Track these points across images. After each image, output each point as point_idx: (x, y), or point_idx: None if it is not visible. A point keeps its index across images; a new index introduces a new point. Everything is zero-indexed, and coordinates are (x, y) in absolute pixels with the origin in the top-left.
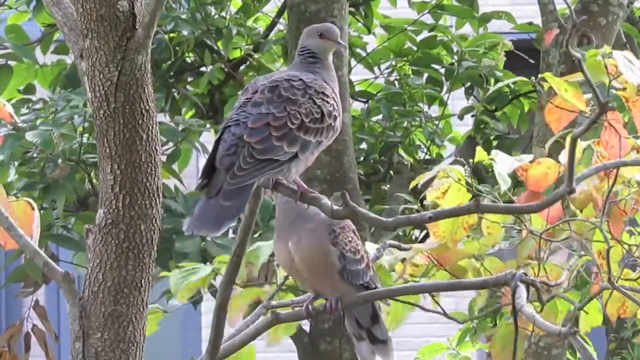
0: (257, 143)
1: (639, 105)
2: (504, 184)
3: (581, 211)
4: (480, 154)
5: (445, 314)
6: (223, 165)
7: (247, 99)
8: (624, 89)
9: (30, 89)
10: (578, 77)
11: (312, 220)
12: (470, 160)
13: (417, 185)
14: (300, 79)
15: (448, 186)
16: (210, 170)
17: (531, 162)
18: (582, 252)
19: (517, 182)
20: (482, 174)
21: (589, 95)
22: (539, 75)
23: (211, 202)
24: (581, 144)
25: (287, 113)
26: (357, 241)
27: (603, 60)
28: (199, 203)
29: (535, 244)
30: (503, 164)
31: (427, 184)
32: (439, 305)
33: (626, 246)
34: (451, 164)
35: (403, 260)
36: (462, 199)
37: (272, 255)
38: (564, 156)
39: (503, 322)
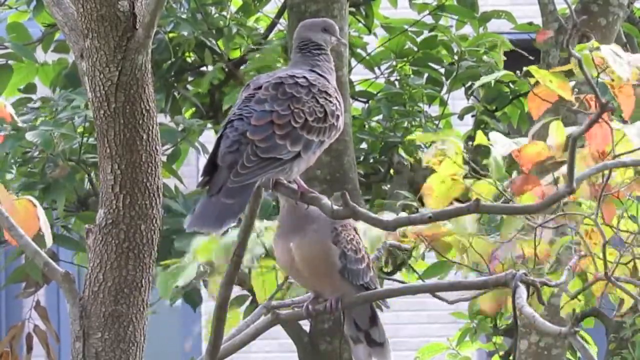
0: (260, 141)
1: (625, 91)
2: (497, 171)
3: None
4: (480, 137)
5: (435, 296)
6: (225, 163)
7: (250, 95)
8: (612, 80)
9: (30, 88)
10: (569, 67)
11: (315, 221)
12: (471, 143)
13: (417, 186)
14: (304, 77)
15: (444, 157)
16: (211, 168)
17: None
18: (582, 253)
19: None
20: (480, 174)
21: (573, 83)
22: (524, 69)
23: (213, 199)
24: (565, 130)
25: (290, 111)
26: (359, 240)
27: (591, 54)
28: (200, 201)
29: (522, 223)
30: (501, 147)
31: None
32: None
33: (624, 234)
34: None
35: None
36: (457, 169)
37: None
38: (550, 139)
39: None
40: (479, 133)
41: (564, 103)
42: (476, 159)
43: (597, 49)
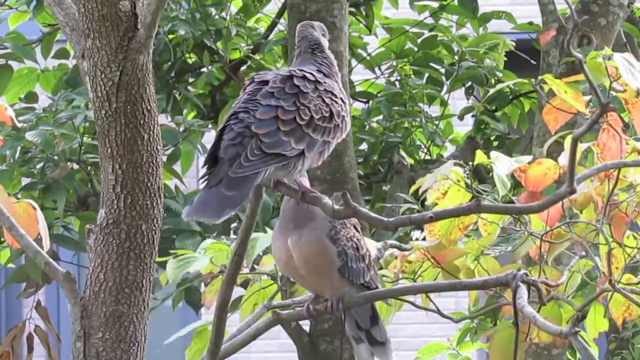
0: (264, 136)
1: (638, 107)
2: (503, 188)
3: (581, 212)
4: (480, 156)
5: (439, 312)
6: (227, 155)
7: (256, 89)
8: (624, 91)
9: (31, 97)
10: (580, 78)
11: (314, 218)
12: (470, 163)
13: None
14: (312, 74)
15: (448, 187)
16: (212, 160)
17: (530, 162)
18: (583, 254)
19: (517, 183)
20: (482, 174)
21: (589, 97)
22: (539, 78)
23: (212, 190)
24: (581, 146)
25: (296, 108)
26: (359, 237)
27: (604, 63)
28: (199, 192)
29: (534, 246)
30: (503, 166)
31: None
32: (432, 302)
33: (629, 250)
34: (452, 165)
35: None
36: (462, 199)
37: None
38: (563, 158)
39: (504, 323)
40: (479, 152)
41: (579, 114)
42: (477, 170)
43: (610, 57)
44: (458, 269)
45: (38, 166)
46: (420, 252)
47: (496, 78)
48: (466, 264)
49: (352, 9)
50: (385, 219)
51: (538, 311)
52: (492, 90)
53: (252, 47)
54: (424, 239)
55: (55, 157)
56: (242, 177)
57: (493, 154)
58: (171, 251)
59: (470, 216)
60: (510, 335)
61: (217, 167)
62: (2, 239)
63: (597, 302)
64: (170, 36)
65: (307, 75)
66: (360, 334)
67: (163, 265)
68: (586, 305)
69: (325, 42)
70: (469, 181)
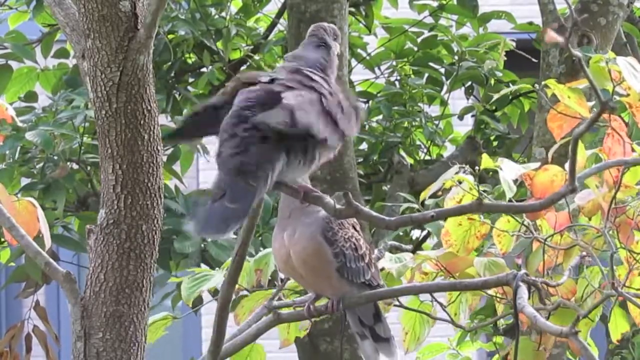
0: (298, 109)
1: None
2: (510, 191)
3: (590, 219)
4: (486, 161)
5: (453, 322)
6: (227, 165)
7: (264, 87)
8: (628, 95)
9: (31, 97)
10: (582, 83)
11: (311, 213)
12: (476, 168)
13: (417, 187)
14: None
15: (462, 195)
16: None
17: (537, 169)
18: (584, 254)
19: (519, 184)
20: (482, 175)
21: (592, 103)
22: (543, 83)
23: (216, 205)
24: (586, 152)
25: (319, 94)
26: (358, 237)
27: (607, 66)
28: (203, 206)
29: (546, 257)
30: (509, 171)
31: (435, 193)
32: (446, 313)
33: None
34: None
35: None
36: None
37: None
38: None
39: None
40: (485, 156)
41: (584, 120)
42: (481, 177)
43: (613, 60)
44: (472, 277)
45: (38, 166)
46: (431, 262)
47: (496, 78)
48: (479, 274)
49: (352, 9)
50: (387, 218)
51: (548, 318)
52: (496, 96)
53: (252, 47)
54: (424, 239)
55: (55, 157)
56: (245, 189)
57: (499, 159)
58: (188, 269)
59: (486, 224)
60: (528, 347)
61: (217, 178)
62: (2, 239)
63: (617, 307)
64: (170, 36)
65: (311, 74)
66: (364, 330)
67: (163, 265)
68: (591, 311)
69: (335, 46)
70: (473, 182)
